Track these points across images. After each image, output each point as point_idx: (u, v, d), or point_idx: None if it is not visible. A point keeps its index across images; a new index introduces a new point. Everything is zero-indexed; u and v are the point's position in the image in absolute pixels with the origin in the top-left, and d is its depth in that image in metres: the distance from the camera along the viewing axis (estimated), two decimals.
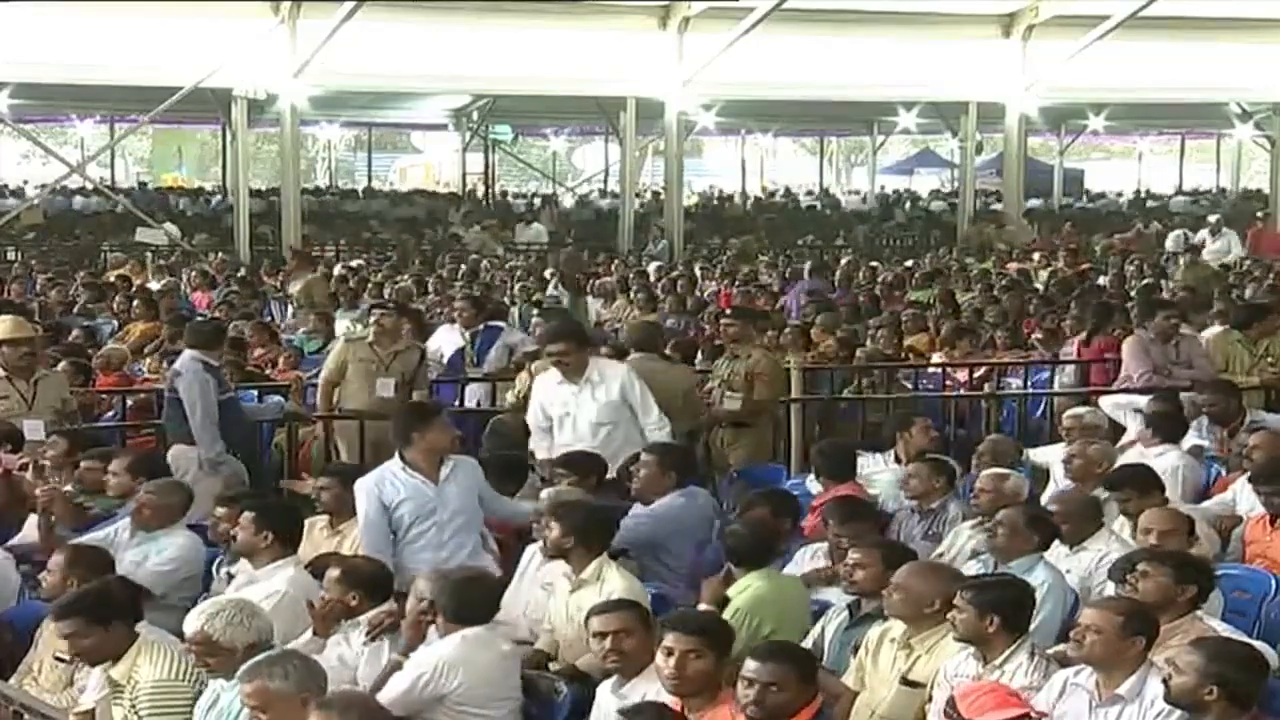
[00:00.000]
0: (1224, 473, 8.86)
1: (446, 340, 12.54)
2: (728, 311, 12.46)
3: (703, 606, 6.52)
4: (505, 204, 38.98)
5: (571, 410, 8.87)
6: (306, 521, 7.65)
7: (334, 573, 6.46)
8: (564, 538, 6.79)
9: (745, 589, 6.60)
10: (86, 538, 7.57)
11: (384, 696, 5.84)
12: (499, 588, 6.40)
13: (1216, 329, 12.29)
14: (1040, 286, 18.87)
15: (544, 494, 7.52)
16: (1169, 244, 27.49)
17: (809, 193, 43.93)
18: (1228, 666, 5.00)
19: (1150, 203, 41.24)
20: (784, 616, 6.55)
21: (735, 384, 10.20)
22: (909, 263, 23.75)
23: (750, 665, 5.26)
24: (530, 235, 30.25)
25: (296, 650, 5.81)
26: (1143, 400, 9.68)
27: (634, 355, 9.92)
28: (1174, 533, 6.82)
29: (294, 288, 16.87)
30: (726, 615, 6.41)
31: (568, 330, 9.48)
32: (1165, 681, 5.07)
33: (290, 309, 16.35)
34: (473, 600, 6.08)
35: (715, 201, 40.99)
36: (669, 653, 5.40)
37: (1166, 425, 8.97)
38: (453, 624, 6.00)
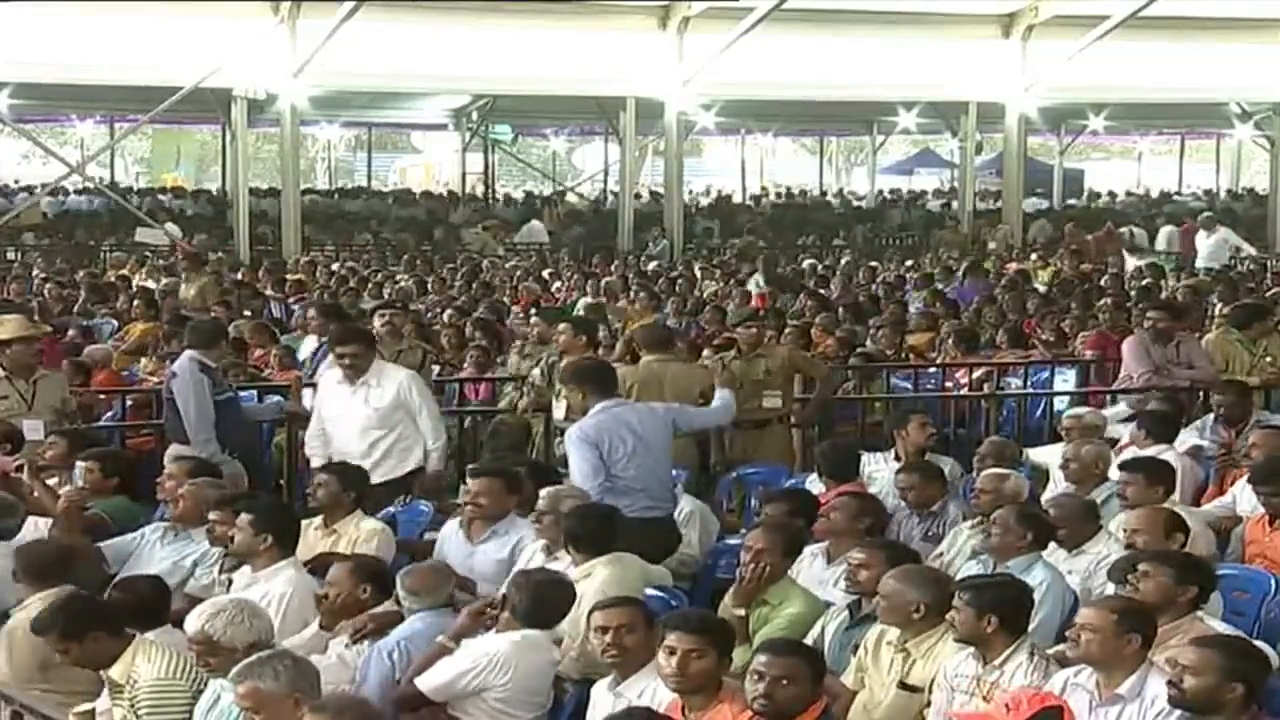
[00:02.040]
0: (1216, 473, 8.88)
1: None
2: (761, 314, 12.47)
3: (736, 611, 6.47)
4: (532, 202, 38.85)
5: (343, 412, 8.88)
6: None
7: (344, 566, 6.47)
8: (564, 539, 6.86)
9: (781, 603, 6.56)
10: (114, 541, 7.62)
11: (428, 679, 5.88)
12: (573, 597, 6.35)
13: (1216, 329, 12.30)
14: (1041, 286, 18.85)
15: (543, 493, 7.52)
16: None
17: (823, 194, 43.97)
18: (1248, 663, 5.02)
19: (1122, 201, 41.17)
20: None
21: (771, 383, 10.23)
22: (909, 263, 23.74)
23: (761, 659, 5.24)
24: (527, 234, 30.13)
25: (288, 650, 5.81)
26: (1124, 409, 9.65)
27: (647, 357, 9.93)
28: (1145, 532, 6.77)
29: (187, 291, 16.22)
30: (766, 631, 6.40)
31: (358, 332, 9.58)
32: (1177, 683, 5.01)
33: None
34: (549, 604, 6.11)
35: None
36: (671, 652, 5.39)
37: (1159, 426, 8.97)
38: (518, 623, 6.01)
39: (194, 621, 5.83)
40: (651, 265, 23.47)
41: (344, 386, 8.97)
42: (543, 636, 6.08)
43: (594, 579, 6.67)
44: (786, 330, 13.40)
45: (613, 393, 8.17)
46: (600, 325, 12.57)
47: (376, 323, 10.60)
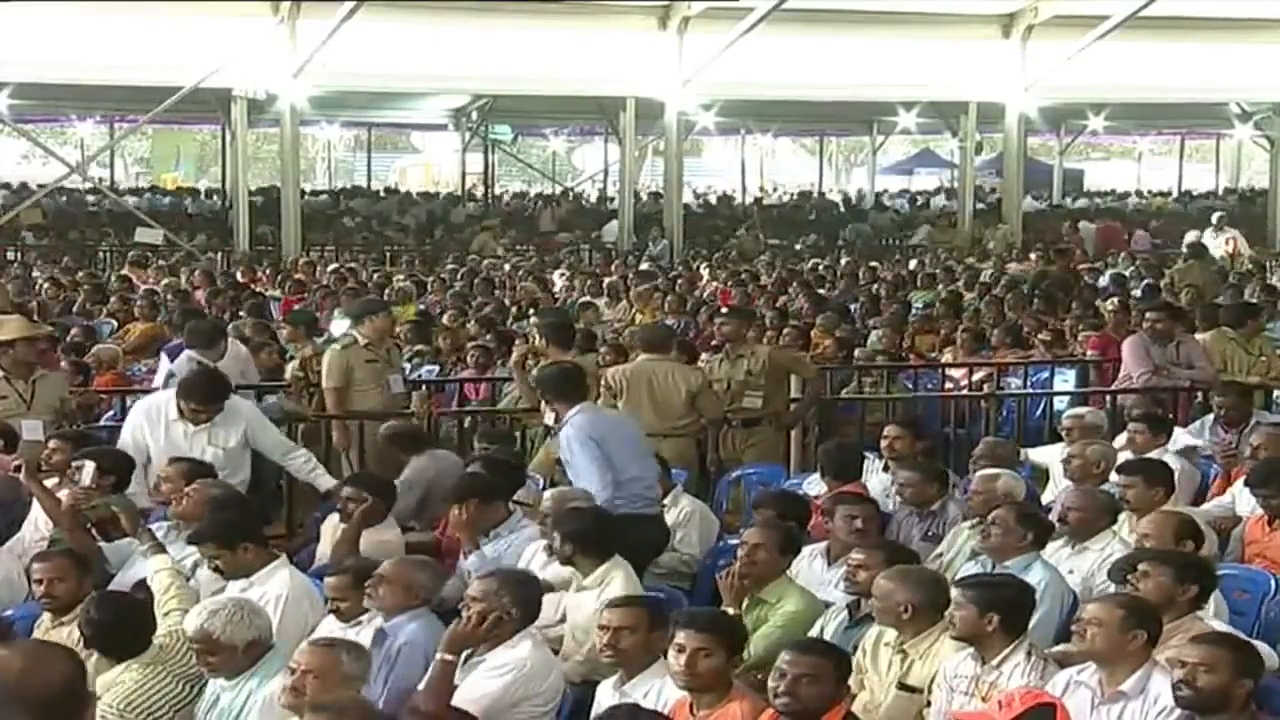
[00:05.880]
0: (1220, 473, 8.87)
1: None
2: (723, 310, 12.36)
3: (729, 610, 6.47)
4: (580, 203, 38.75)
5: (188, 453, 8.43)
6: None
7: (344, 578, 6.41)
8: (564, 545, 6.79)
9: (779, 601, 6.56)
10: (115, 544, 7.61)
11: (471, 701, 5.66)
12: (543, 589, 6.34)
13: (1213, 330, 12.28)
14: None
15: (546, 495, 7.51)
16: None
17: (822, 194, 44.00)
18: (1251, 659, 5.03)
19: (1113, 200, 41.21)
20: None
21: (752, 383, 10.19)
22: (911, 263, 23.71)
23: (786, 657, 5.20)
24: (608, 235, 29.78)
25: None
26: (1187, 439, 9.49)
27: (644, 356, 9.92)
28: (1154, 537, 6.72)
29: None
30: (765, 630, 6.41)
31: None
32: (1190, 682, 4.98)
33: None
34: (536, 601, 6.06)
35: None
36: (680, 649, 5.38)
37: (1155, 424, 8.96)
38: (518, 626, 5.92)
39: (194, 620, 5.81)
40: (648, 265, 23.43)
41: (181, 426, 8.48)
42: (539, 635, 6.05)
43: (613, 584, 6.59)
44: (786, 330, 13.41)
45: (585, 395, 8.06)
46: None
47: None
